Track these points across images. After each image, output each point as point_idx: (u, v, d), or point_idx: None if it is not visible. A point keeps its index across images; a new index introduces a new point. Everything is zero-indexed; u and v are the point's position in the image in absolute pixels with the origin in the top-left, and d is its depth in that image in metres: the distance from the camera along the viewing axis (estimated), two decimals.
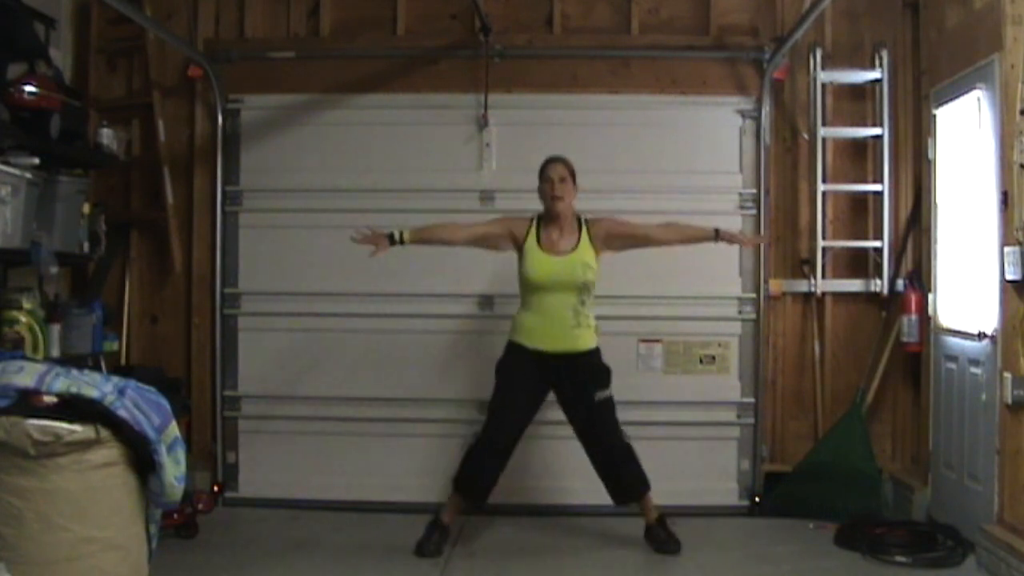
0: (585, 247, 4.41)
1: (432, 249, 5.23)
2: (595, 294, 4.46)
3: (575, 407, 4.48)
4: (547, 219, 4.48)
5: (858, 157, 5.38)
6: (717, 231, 4.51)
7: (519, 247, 4.47)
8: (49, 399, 3.13)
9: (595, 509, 5.13)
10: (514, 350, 4.49)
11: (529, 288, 4.45)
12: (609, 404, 4.45)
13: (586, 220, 4.50)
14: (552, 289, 4.38)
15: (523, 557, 4.48)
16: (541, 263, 4.39)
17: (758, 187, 5.28)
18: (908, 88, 5.31)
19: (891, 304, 5.26)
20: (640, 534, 4.61)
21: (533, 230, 4.46)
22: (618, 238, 4.49)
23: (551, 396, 4.54)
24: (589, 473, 5.11)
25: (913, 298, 5.11)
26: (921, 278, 5.15)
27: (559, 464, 5.15)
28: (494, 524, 4.94)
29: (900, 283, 5.22)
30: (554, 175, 4.43)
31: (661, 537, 4.50)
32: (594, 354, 4.47)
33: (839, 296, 5.35)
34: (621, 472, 4.49)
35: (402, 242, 4.40)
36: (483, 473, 4.46)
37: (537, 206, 4.96)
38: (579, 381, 4.43)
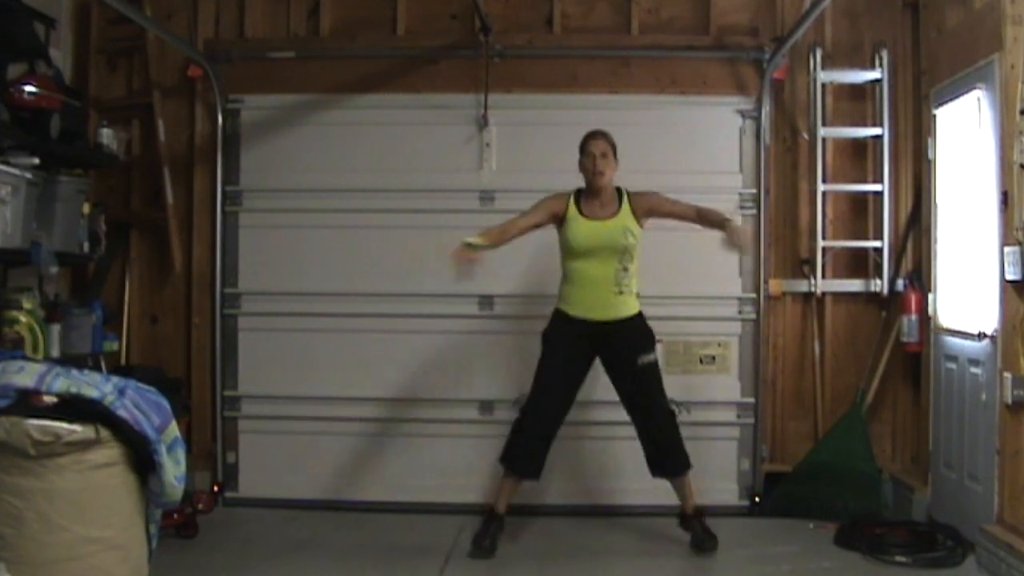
0: (627, 214, 4.43)
1: (432, 249, 5.27)
2: (638, 261, 4.46)
3: (620, 372, 4.49)
4: (588, 193, 4.49)
5: (858, 157, 5.38)
6: (728, 223, 4.39)
7: (560, 220, 4.47)
8: (49, 399, 3.13)
9: (596, 510, 5.15)
10: (559, 318, 4.50)
11: (572, 255, 4.44)
12: (654, 368, 4.48)
13: (628, 192, 4.50)
14: (594, 255, 4.39)
15: (523, 557, 4.48)
16: (583, 228, 4.41)
17: (758, 187, 5.28)
18: (908, 88, 5.31)
19: (891, 304, 5.26)
20: (641, 534, 4.61)
21: (572, 202, 4.47)
22: (660, 214, 4.50)
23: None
24: (589, 473, 5.14)
25: (913, 298, 5.11)
26: (921, 278, 5.16)
27: (560, 464, 5.15)
28: None
29: (900, 283, 5.23)
30: (595, 150, 4.44)
31: (698, 535, 4.51)
32: (638, 318, 4.48)
33: (839, 296, 5.35)
34: (664, 440, 4.48)
35: (474, 247, 4.34)
36: (534, 445, 4.45)
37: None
38: (623, 346, 4.44)
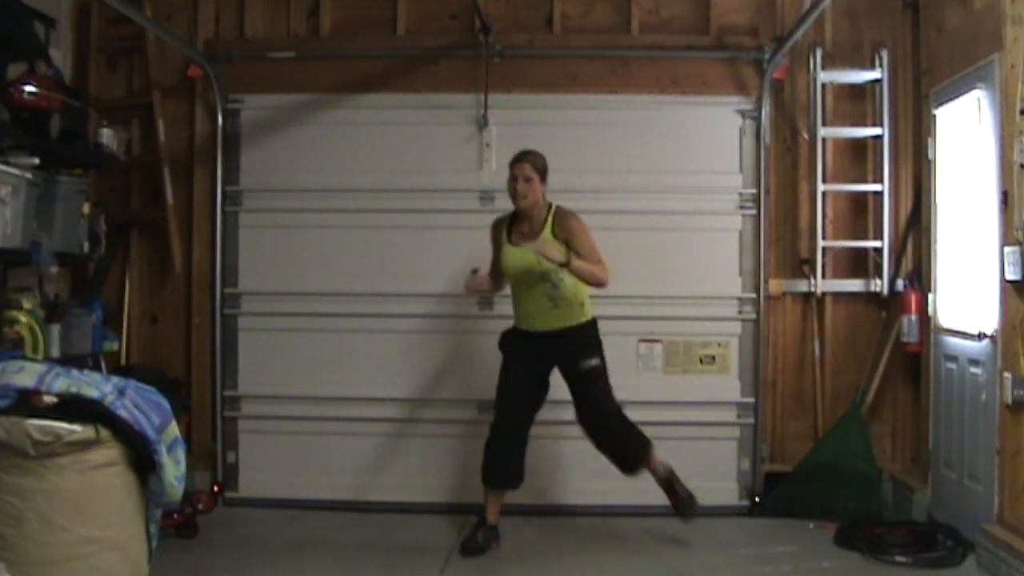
0: (545, 237, 4.43)
1: (431, 249, 5.28)
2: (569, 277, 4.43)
3: (569, 380, 4.54)
4: (516, 215, 4.55)
5: (858, 157, 5.38)
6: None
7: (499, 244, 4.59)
8: (49, 399, 3.14)
9: (596, 509, 5.15)
10: (510, 330, 4.64)
11: (508, 278, 4.58)
12: (596, 372, 4.49)
13: (557, 212, 4.48)
14: (521, 279, 4.49)
15: (522, 557, 4.48)
16: (508, 254, 4.51)
17: (758, 187, 5.28)
18: (908, 88, 5.31)
19: (891, 304, 5.26)
20: (650, 535, 4.61)
21: (506, 227, 4.57)
22: (564, 242, 4.45)
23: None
24: (587, 472, 5.14)
25: (913, 298, 5.11)
26: (921, 278, 5.15)
27: (557, 464, 5.16)
28: None
29: (900, 283, 5.22)
30: (519, 174, 4.45)
31: (672, 500, 4.57)
32: (581, 328, 4.51)
33: (839, 296, 5.34)
34: (617, 441, 4.53)
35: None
36: (507, 457, 4.51)
37: None
38: (566, 353, 4.50)
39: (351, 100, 5.40)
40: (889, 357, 5.24)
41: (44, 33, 4.65)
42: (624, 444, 4.53)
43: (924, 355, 5.10)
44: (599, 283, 4.40)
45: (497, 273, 4.62)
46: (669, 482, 4.59)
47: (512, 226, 4.55)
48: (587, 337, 4.52)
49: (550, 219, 4.46)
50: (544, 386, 4.60)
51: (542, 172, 4.48)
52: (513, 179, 4.46)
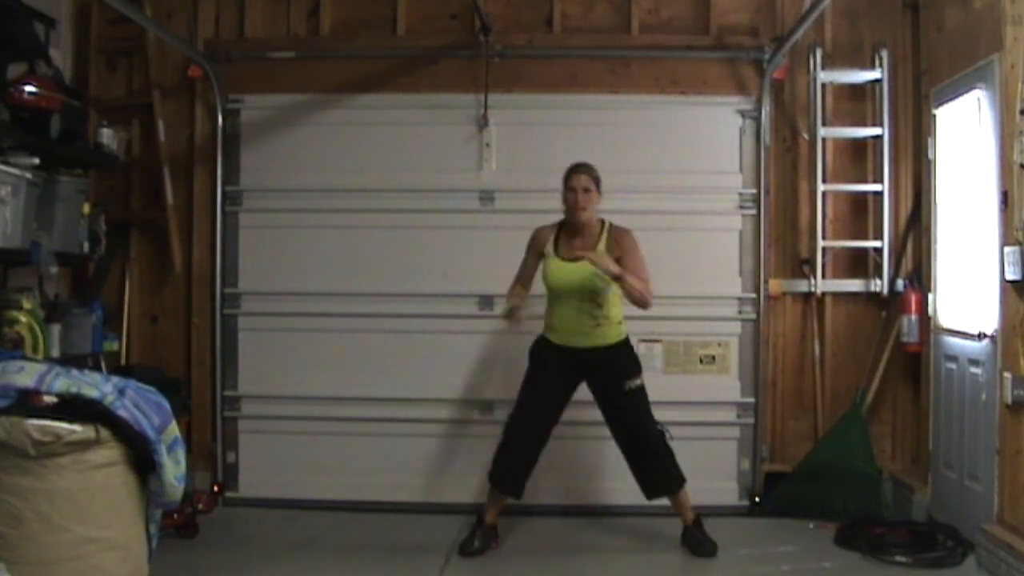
0: (600, 255, 4.36)
1: (432, 248, 5.28)
2: (616, 295, 4.45)
3: (607, 398, 4.51)
4: (569, 227, 4.49)
5: (858, 157, 5.38)
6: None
7: (540, 256, 4.51)
8: (49, 399, 3.14)
9: (595, 509, 5.15)
10: (544, 341, 4.55)
11: (548, 290, 4.50)
12: (639, 394, 4.48)
13: (611, 228, 4.47)
14: (567, 294, 4.42)
15: (522, 557, 4.48)
16: (555, 269, 4.44)
17: (758, 187, 5.28)
18: (908, 88, 5.31)
19: (891, 304, 5.26)
20: (641, 533, 4.61)
21: (553, 236, 4.50)
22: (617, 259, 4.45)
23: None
24: (588, 473, 5.14)
25: (913, 298, 5.11)
26: (921, 278, 5.16)
27: (558, 464, 5.15)
28: None
29: (900, 283, 5.22)
30: (578, 185, 4.42)
31: (697, 539, 4.50)
32: (621, 346, 4.50)
33: (839, 296, 5.34)
34: (653, 464, 4.50)
35: (511, 311, 4.50)
36: (517, 461, 4.48)
37: (537, 204, 4.98)
38: (609, 373, 4.46)
39: (351, 100, 5.40)
40: (889, 357, 5.24)
41: (44, 33, 4.65)
42: (661, 472, 4.50)
43: (924, 355, 5.10)
44: (644, 303, 4.37)
45: (527, 279, 4.56)
46: (698, 524, 4.55)
47: (560, 238, 4.48)
48: (629, 357, 4.51)
49: (604, 235, 4.43)
50: (566, 401, 4.55)
51: (598, 183, 4.46)
52: (571, 191, 4.41)
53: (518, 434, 4.49)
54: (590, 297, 4.39)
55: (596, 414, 4.83)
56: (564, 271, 4.41)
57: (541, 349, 4.55)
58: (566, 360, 4.47)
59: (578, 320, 4.42)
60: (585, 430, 5.05)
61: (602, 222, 4.50)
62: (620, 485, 5.07)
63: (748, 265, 5.29)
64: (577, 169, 4.47)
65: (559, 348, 4.48)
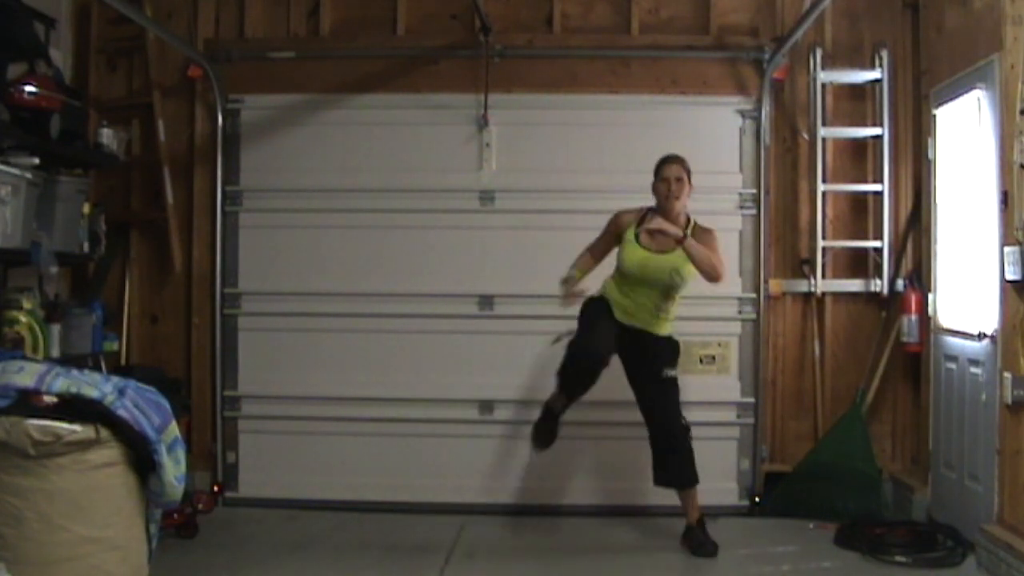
0: (682, 253, 4.35)
1: (431, 248, 5.28)
2: (682, 295, 4.46)
3: (644, 380, 4.51)
4: (659, 213, 4.44)
5: (858, 157, 5.38)
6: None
7: (619, 238, 4.47)
8: (49, 399, 3.14)
9: (595, 509, 5.15)
10: (603, 300, 4.49)
11: (621, 272, 4.46)
12: (674, 383, 4.50)
13: (695, 226, 4.45)
14: (640, 282, 4.40)
15: (522, 557, 4.48)
16: (635, 255, 4.40)
17: (758, 187, 5.28)
18: (908, 88, 5.31)
19: (891, 304, 5.26)
20: (650, 535, 4.61)
21: (635, 225, 4.44)
22: None
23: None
24: (592, 474, 5.14)
25: (913, 298, 5.11)
26: (921, 278, 5.15)
27: (558, 464, 5.15)
28: (494, 524, 4.95)
29: (900, 283, 5.22)
30: (670, 175, 4.41)
31: (699, 539, 4.50)
32: (670, 339, 4.52)
33: (839, 296, 5.34)
34: (673, 455, 4.50)
35: (574, 278, 4.49)
36: (583, 377, 4.37)
37: (538, 204, 4.99)
38: (652, 356, 4.46)
39: (351, 100, 5.40)
40: (889, 357, 5.24)
41: (44, 33, 4.65)
42: (679, 465, 4.51)
43: (924, 355, 5.10)
44: (715, 273, 4.33)
45: (598, 255, 4.54)
46: (701, 525, 4.55)
47: (642, 225, 4.42)
48: (674, 348, 4.53)
49: (689, 230, 4.39)
50: (616, 348, 4.43)
51: (690, 175, 4.45)
52: (664, 180, 4.40)
53: (582, 354, 4.34)
54: (662, 290, 4.39)
55: (609, 415, 4.83)
56: (643, 257, 4.38)
57: (598, 303, 4.48)
58: (619, 324, 4.43)
59: (642, 308, 4.42)
60: (595, 430, 5.07)
61: (688, 218, 4.47)
62: (628, 485, 5.09)
63: (748, 265, 5.29)
64: (669, 160, 4.47)
65: (615, 314, 4.44)
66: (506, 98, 5.30)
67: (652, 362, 4.47)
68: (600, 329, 4.40)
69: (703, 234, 4.44)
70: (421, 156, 5.34)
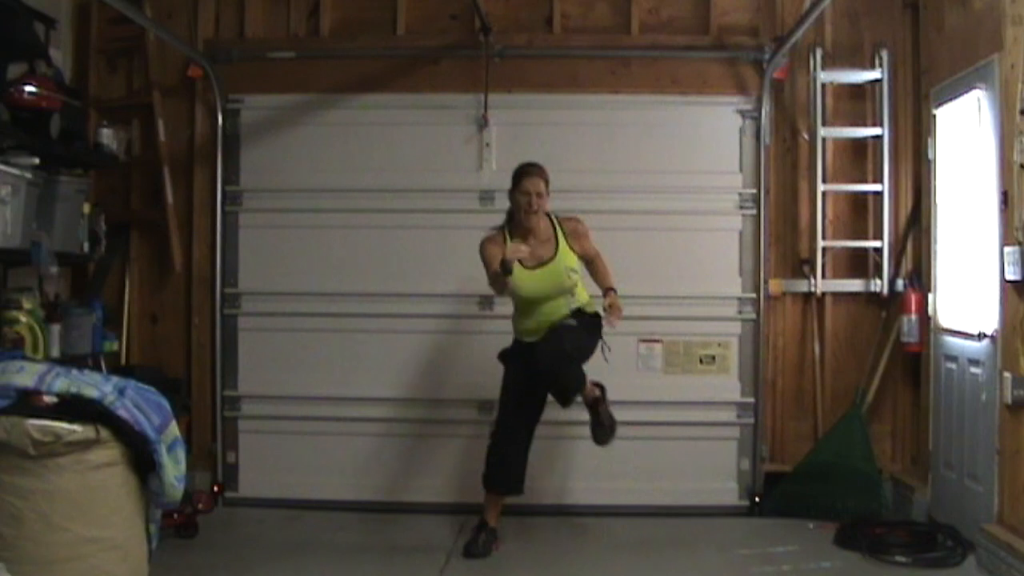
0: (565, 251, 4.38)
1: (432, 249, 5.28)
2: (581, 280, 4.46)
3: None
4: (517, 227, 4.42)
5: (858, 157, 5.38)
6: (608, 292, 4.41)
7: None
8: (49, 399, 3.14)
9: (596, 509, 5.15)
10: (517, 344, 4.54)
11: (523, 300, 4.44)
12: (574, 329, 4.34)
13: (557, 220, 4.45)
14: (545, 298, 4.39)
15: (522, 558, 4.48)
16: (526, 280, 4.33)
17: (758, 187, 5.28)
18: (908, 88, 5.31)
19: (891, 304, 5.26)
20: (650, 535, 4.63)
21: (501, 244, 4.36)
22: (584, 258, 4.47)
23: None
24: (589, 473, 5.14)
25: (913, 298, 5.11)
26: (921, 278, 5.15)
27: (559, 464, 5.16)
28: None
29: (900, 283, 5.22)
30: (532, 189, 4.34)
31: (593, 421, 4.48)
32: (589, 314, 4.46)
33: (839, 296, 5.34)
34: (567, 380, 4.35)
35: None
36: (509, 463, 4.48)
37: None
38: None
39: (351, 100, 5.40)
40: (889, 357, 5.24)
41: (44, 33, 4.66)
42: (571, 381, 4.36)
43: (924, 355, 5.10)
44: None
45: (499, 285, 4.38)
46: (595, 404, 4.49)
47: (510, 243, 4.37)
48: (590, 322, 4.44)
49: (559, 231, 4.40)
50: (545, 397, 4.52)
51: (548, 183, 4.41)
52: (526, 194, 4.34)
53: (506, 436, 4.49)
54: (565, 291, 4.38)
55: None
56: (535, 278, 4.36)
57: (515, 352, 4.54)
58: (532, 354, 4.38)
59: (554, 314, 4.39)
60: (588, 430, 5.05)
61: (549, 219, 4.45)
62: (624, 485, 5.09)
63: (748, 265, 5.29)
64: (529, 171, 4.39)
65: (527, 345, 4.44)
66: (506, 98, 5.30)
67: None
68: (517, 403, 4.46)
69: (575, 226, 4.42)
70: (421, 156, 5.34)
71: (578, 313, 4.43)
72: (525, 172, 4.40)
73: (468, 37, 5.34)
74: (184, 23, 5.44)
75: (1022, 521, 3.94)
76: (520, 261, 4.25)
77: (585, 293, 4.49)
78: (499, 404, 4.56)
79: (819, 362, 5.33)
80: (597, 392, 4.50)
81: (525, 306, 4.46)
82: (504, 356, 4.59)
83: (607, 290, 4.43)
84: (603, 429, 4.49)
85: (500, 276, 4.19)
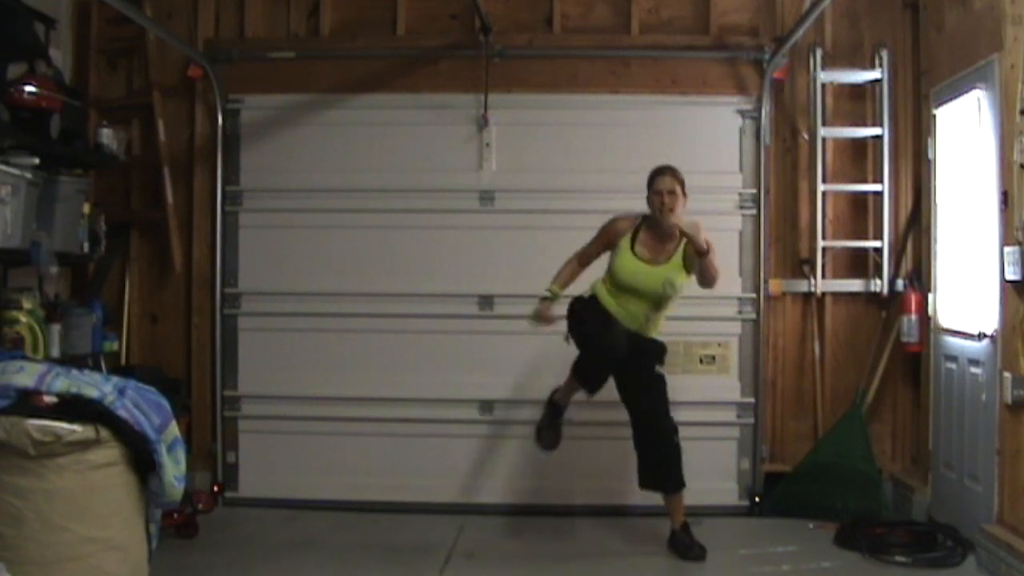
0: (676, 265, 4.35)
1: (431, 248, 5.28)
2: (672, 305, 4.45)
3: (634, 379, 4.46)
4: (652, 225, 4.42)
5: (858, 157, 5.38)
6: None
7: (613, 245, 4.44)
8: (49, 399, 3.14)
9: (596, 510, 5.15)
10: (595, 300, 4.42)
11: (614, 280, 4.41)
12: (662, 382, 4.47)
13: (689, 236, 4.29)
14: (632, 291, 4.37)
15: (522, 558, 4.49)
16: (628, 266, 4.36)
17: (758, 187, 5.28)
18: (908, 88, 5.31)
19: (891, 304, 5.26)
20: (649, 535, 4.62)
21: (631, 233, 4.41)
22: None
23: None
24: (591, 474, 5.14)
25: (913, 298, 5.11)
26: (921, 278, 5.16)
27: (558, 464, 5.15)
28: (494, 524, 4.95)
29: (900, 283, 5.22)
30: (663, 187, 4.36)
31: (685, 543, 4.47)
32: (659, 342, 4.50)
33: (839, 296, 5.34)
34: (660, 456, 4.45)
35: (555, 296, 4.46)
36: (596, 372, 4.42)
37: (538, 204, 4.98)
38: (642, 354, 4.42)
39: (351, 100, 5.40)
40: (889, 357, 5.24)
41: (44, 33, 4.65)
42: (665, 467, 4.46)
43: (924, 355, 5.10)
44: (715, 283, 4.32)
45: (586, 261, 4.51)
46: (687, 528, 4.52)
47: (638, 234, 4.40)
48: (662, 348, 4.50)
49: (683, 245, 4.32)
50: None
51: (683, 185, 4.39)
52: (657, 193, 4.34)
53: (595, 353, 4.36)
54: (653, 301, 4.36)
55: (609, 415, 4.82)
56: (638, 270, 4.35)
57: (590, 303, 4.41)
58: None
59: (633, 316, 4.37)
60: (595, 430, 5.06)
61: (680, 231, 4.34)
62: (627, 485, 5.08)
63: (748, 265, 5.29)
64: (662, 172, 4.41)
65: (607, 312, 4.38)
66: (506, 98, 5.30)
67: (641, 358, 4.43)
68: (608, 325, 4.34)
69: (700, 232, 4.31)
70: (421, 156, 5.34)
71: (649, 339, 4.43)
72: (658, 172, 4.42)
73: (468, 37, 5.35)
74: (184, 23, 5.44)
75: (1022, 521, 3.94)
76: (633, 250, 4.35)
77: (663, 319, 4.45)
78: (577, 327, 4.36)
79: (819, 362, 5.33)
80: (685, 517, 4.52)
81: (612, 285, 4.41)
82: (578, 309, 4.40)
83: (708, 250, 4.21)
84: (695, 552, 4.44)
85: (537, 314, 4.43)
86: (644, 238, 4.41)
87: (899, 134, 5.30)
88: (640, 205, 5.15)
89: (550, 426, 4.62)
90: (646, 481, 4.54)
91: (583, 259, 4.55)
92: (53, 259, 4.42)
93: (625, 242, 4.41)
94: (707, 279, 4.29)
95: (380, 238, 5.34)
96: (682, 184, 4.40)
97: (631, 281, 4.36)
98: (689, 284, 4.39)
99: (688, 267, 4.34)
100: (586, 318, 4.38)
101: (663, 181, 4.38)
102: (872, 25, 5.35)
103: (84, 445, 3.08)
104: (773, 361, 5.34)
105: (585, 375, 4.45)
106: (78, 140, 4.73)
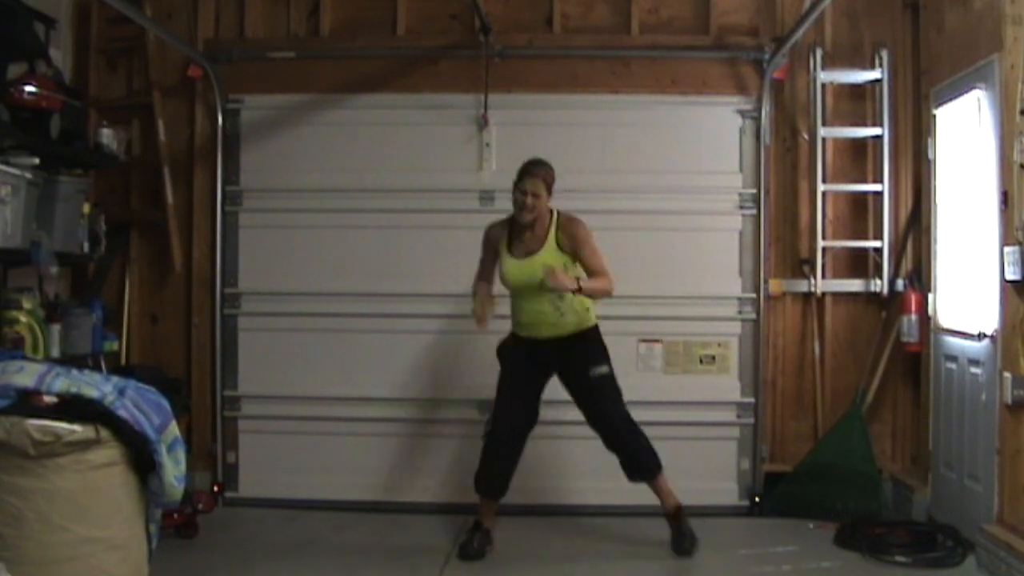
0: (551, 250, 4.36)
1: (431, 248, 5.28)
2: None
3: (575, 386, 4.50)
4: (516, 221, 4.44)
5: (858, 157, 5.38)
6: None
7: (497, 250, 4.48)
8: (49, 399, 3.14)
9: (595, 510, 5.14)
10: (512, 337, 4.56)
11: (506, 287, 4.48)
12: (607, 379, 4.45)
13: (560, 221, 4.40)
14: (524, 290, 4.39)
15: (522, 558, 4.48)
16: (509, 268, 4.41)
17: (758, 187, 5.28)
18: (908, 88, 5.31)
19: (891, 304, 5.26)
20: (642, 535, 4.61)
21: (506, 233, 4.45)
22: (572, 255, 4.40)
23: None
24: (590, 473, 5.14)
25: (913, 298, 5.11)
26: (921, 278, 5.16)
27: (559, 464, 5.16)
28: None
29: (900, 283, 5.23)
30: (528, 188, 4.33)
31: (678, 532, 4.49)
32: (588, 333, 4.46)
33: (839, 296, 5.34)
34: (628, 447, 4.48)
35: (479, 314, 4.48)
36: (498, 465, 4.48)
37: None
38: (575, 361, 4.44)
39: (351, 100, 5.40)
40: (889, 357, 5.24)
41: (44, 33, 4.65)
42: (635, 450, 4.49)
43: (924, 355, 5.10)
44: (607, 296, 4.37)
45: (488, 277, 4.53)
46: (677, 513, 4.53)
47: (512, 234, 4.44)
48: (595, 344, 4.48)
49: (553, 228, 4.38)
50: (540, 393, 4.54)
51: (550, 186, 4.39)
52: (522, 193, 4.34)
53: (499, 443, 4.47)
54: (541, 290, 4.33)
55: None
56: (518, 269, 4.38)
57: (509, 347, 4.56)
58: (533, 353, 4.46)
59: (540, 313, 4.39)
60: (584, 429, 5.05)
61: (551, 212, 4.42)
62: (621, 485, 5.07)
63: (748, 265, 5.29)
64: (531, 172, 4.37)
65: (527, 341, 4.48)
66: (506, 98, 5.30)
67: (578, 366, 4.44)
68: (511, 408, 4.46)
69: (574, 228, 4.37)
70: (421, 156, 5.34)
71: (579, 337, 4.42)
72: (527, 171, 4.39)
73: (468, 37, 5.35)
74: (184, 23, 5.44)
75: (1022, 521, 3.94)
76: (509, 249, 4.40)
77: (582, 299, 4.40)
78: (495, 403, 4.54)
79: (819, 362, 5.33)
80: (675, 500, 4.53)
81: (513, 295, 4.48)
82: (501, 351, 4.59)
83: (576, 278, 4.29)
84: (686, 541, 4.47)
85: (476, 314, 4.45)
86: (517, 235, 4.42)
87: (899, 134, 5.30)
88: (636, 203, 5.19)
89: (474, 545, 4.47)
90: (628, 476, 4.56)
91: (483, 275, 4.55)
92: (53, 259, 4.42)
93: (503, 247, 4.44)
94: (595, 299, 4.39)
95: (380, 238, 5.34)
96: (549, 186, 4.37)
97: (517, 280, 4.39)
98: (577, 267, 4.37)
99: (562, 247, 4.34)
100: (506, 353, 4.54)
101: (530, 182, 4.34)
102: (872, 25, 5.36)
103: (84, 445, 3.08)
104: (773, 361, 5.34)
105: (489, 472, 4.50)
106: (78, 140, 4.73)
